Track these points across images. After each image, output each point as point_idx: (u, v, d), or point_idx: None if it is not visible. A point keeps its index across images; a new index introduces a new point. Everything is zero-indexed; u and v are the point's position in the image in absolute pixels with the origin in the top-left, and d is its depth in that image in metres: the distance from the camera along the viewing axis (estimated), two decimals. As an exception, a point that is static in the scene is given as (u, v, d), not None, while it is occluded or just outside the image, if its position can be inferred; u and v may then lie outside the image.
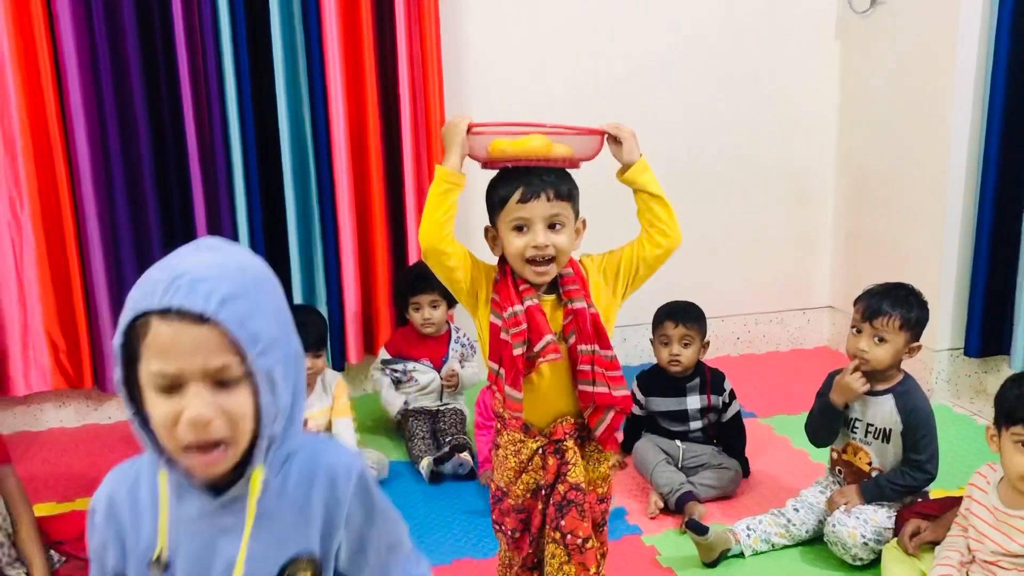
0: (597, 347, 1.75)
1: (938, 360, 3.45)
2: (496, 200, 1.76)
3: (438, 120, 3.39)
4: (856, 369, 2.46)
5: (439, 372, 3.19)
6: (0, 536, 2.23)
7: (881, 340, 2.41)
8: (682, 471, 2.78)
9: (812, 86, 3.88)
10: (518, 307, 1.73)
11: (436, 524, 2.68)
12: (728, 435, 2.88)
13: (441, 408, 3.18)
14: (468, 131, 1.72)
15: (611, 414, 1.78)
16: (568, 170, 1.79)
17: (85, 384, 3.38)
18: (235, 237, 3.36)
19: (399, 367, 3.22)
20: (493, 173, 1.83)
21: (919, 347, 2.46)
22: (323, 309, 3.52)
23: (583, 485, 1.79)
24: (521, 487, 1.82)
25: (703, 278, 3.86)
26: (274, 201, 3.40)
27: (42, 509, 2.77)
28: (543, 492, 1.81)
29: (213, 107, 3.24)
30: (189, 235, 3.34)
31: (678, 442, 2.83)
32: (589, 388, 1.75)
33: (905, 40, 3.51)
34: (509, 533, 1.86)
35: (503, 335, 1.73)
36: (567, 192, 1.75)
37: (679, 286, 3.71)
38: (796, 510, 2.55)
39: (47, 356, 3.34)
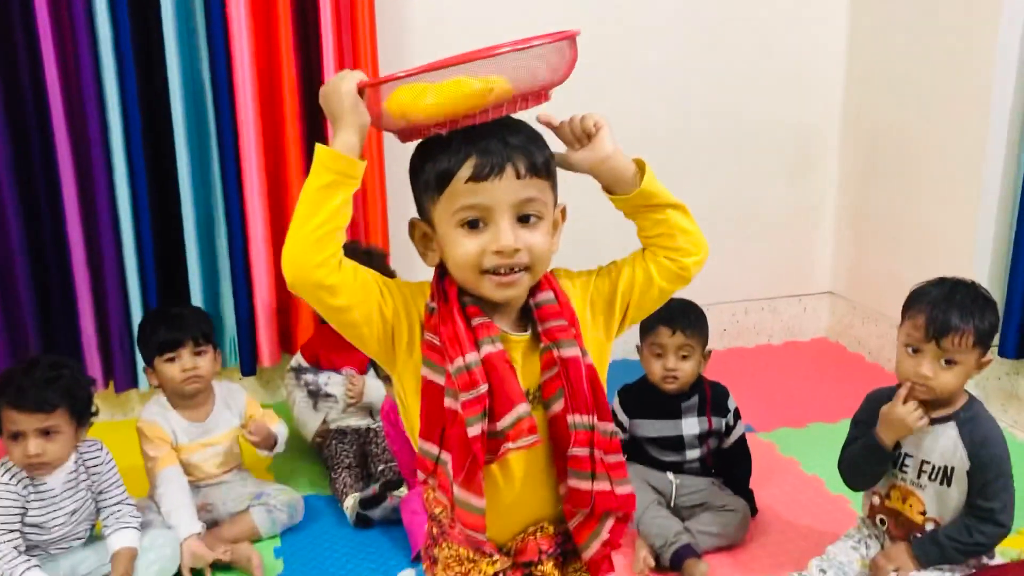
0: (596, 418, 1.14)
1: (964, 360, 2.92)
2: (432, 178, 1.13)
3: (368, 51, 2.72)
4: (910, 397, 1.89)
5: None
6: None
7: (950, 362, 1.84)
8: (676, 511, 2.21)
9: (814, 31, 3.30)
10: (472, 357, 1.11)
11: (361, 588, 2.08)
12: (730, 464, 2.32)
13: (373, 427, 2.56)
14: (361, 91, 1.09)
15: (609, 522, 1.18)
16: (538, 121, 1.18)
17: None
18: (113, 214, 2.69)
19: (311, 379, 2.59)
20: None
21: (989, 361, 1.90)
22: (228, 299, 2.88)
23: None
24: None
25: (684, 259, 3.31)
26: (162, 167, 2.73)
27: None
28: None
29: (81, 48, 2.55)
30: (55, 215, 2.68)
31: (670, 475, 2.26)
32: (586, 484, 1.15)
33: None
34: None
35: (449, 402, 1.11)
36: (543, 164, 1.14)
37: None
38: (823, 571, 1.99)
39: None
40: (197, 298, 2.80)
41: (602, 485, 1.14)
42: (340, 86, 1.08)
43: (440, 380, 1.12)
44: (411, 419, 1.18)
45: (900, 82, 3.12)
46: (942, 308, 1.84)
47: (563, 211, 1.21)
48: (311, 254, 1.06)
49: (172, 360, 2.21)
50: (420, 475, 1.18)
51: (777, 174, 3.40)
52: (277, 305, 2.89)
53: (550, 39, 1.12)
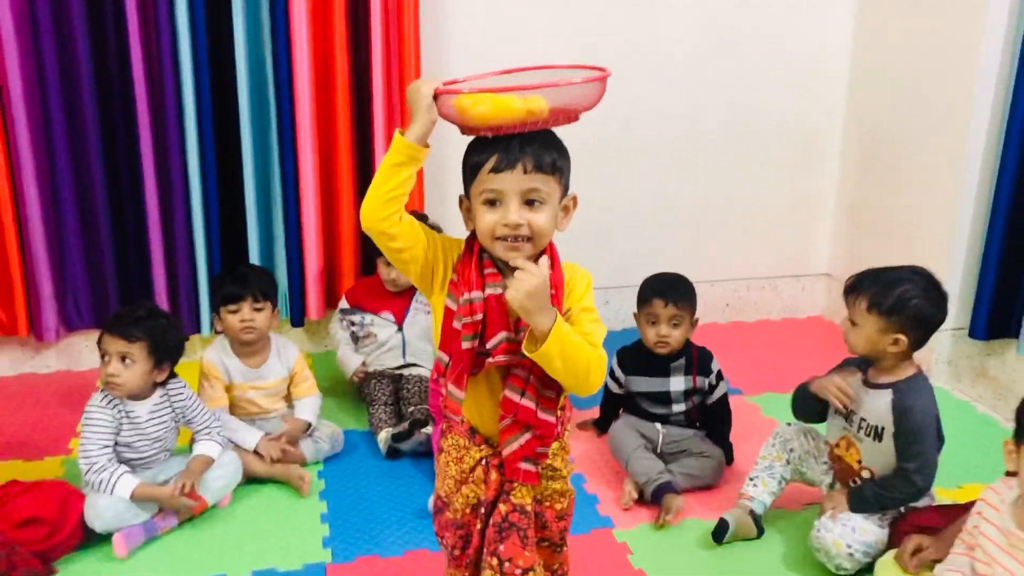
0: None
1: (939, 340, 3.21)
2: (469, 168, 1.51)
3: (412, 54, 3.07)
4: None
5: (400, 327, 2.94)
6: None
7: (852, 323, 2.19)
8: (661, 457, 2.55)
9: (822, 37, 3.57)
10: (476, 294, 1.48)
11: (389, 508, 2.45)
12: (713, 419, 2.65)
13: (404, 372, 2.93)
14: (437, 95, 1.44)
15: (526, 437, 1.52)
16: (564, 127, 1.51)
17: (20, 332, 3.11)
18: (184, 182, 3.08)
19: (356, 319, 2.97)
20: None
21: (902, 341, 2.15)
22: (281, 259, 3.26)
23: (528, 508, 1.57)
24: (461, 500, 1.59)
25: (694, 240, 3.65)
26: (228, 143, 3.10)
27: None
28: (483, 509, 1.58)
29: (163, 38, 2.93)
30: (134, 180, 3.06)
31: (658, 425, 2.60)
32: (516, 397, 1.51)
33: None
34: (449, 549, 1.64)
35: (455, 323, 1.49)
36: (551, 164, 1.48)
37: (668, 249, 3.50)
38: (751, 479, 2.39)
39: (-24, 299, 3.07)
40: (254, 260, 3.19)
41: (528, 403, 1.49)
42: (421, 88, 1.44)
43: (454, 307, 1.50)
44: (436, 335, 1.56)
45: (897, 84, 3.37)
46: (863, 274, 2.21)
47: (574, 199, 1.56)
48: (380, 210, 1.44)
49: (234, 312, 2.58)
50: (434, 375, 1.57)
51: (783, 166, 3.67)
52: (324, 268, 3.27)
53: (586, 79, 1.45)
